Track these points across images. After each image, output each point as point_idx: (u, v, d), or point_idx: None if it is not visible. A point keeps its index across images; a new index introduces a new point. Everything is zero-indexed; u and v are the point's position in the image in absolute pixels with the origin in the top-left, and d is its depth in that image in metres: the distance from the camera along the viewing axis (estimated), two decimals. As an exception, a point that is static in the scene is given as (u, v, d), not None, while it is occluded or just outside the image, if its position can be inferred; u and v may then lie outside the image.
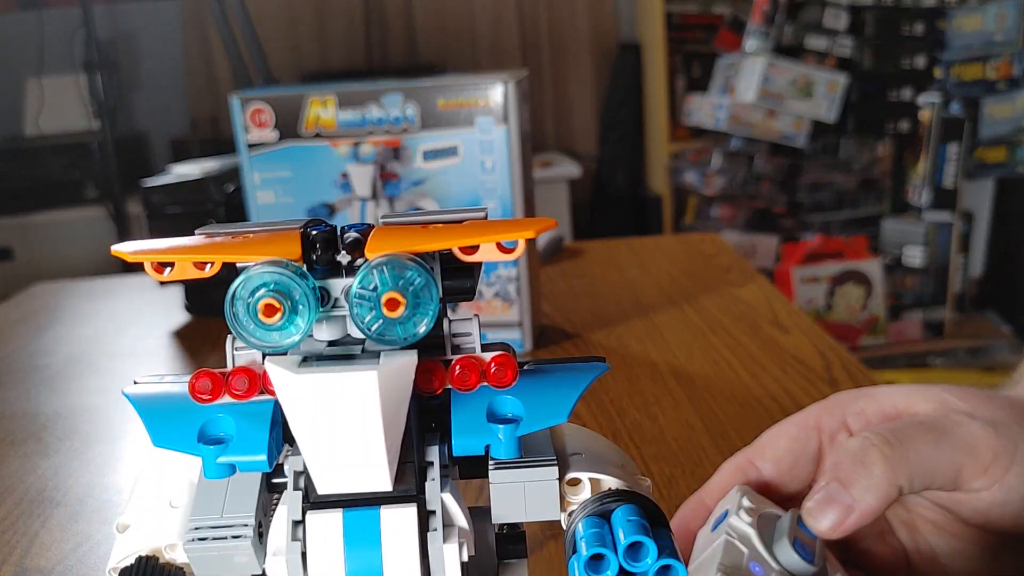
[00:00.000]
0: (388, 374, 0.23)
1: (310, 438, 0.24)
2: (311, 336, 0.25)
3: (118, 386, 0.79)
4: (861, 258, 2.59)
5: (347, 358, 0.24)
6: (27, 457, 0.66)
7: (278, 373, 0.24)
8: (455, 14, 3.14)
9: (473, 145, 0.75)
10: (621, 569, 0.25)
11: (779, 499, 0.38)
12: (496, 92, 0.74)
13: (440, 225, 0.25)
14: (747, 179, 2.64)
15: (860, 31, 2.58)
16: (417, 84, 0.75)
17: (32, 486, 0.61)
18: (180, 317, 0.99)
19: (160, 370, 0.83)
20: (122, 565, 0.27)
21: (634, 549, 0.25)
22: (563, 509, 0.28)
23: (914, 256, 2.66)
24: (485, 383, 0.26)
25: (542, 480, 0.26)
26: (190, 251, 0.25)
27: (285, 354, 0.25)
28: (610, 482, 0.28)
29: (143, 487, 0.29)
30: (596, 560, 0.25)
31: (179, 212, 0.93)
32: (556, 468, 0.27)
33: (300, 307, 0.24)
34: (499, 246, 0.24)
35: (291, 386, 0.24)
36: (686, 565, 0.27)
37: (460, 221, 0.25)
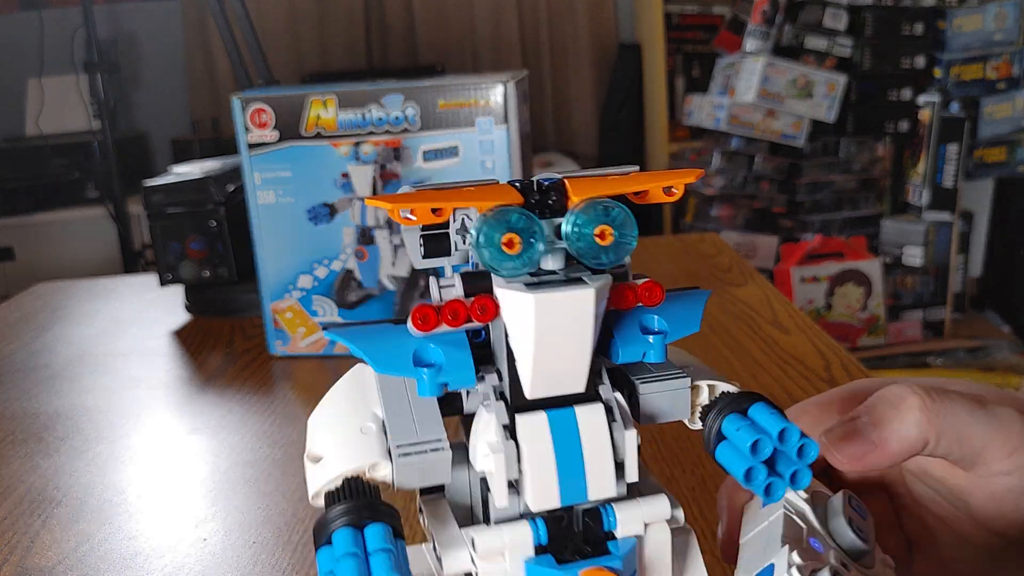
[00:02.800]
0: (600, 292, 0.28)
1: (531, 349, 0.28)
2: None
3: (119, 386, 0.79)
4: (861, 258, 2.59)
5: (552, 284, 0.28)
6: (28, 456, 0.66)
7: (512, 295, 0.28)
8: (455, 15, 3.14)
9: (473, 145, 0.75)
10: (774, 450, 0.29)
11: None
12: (496, 92, 0.74)
13: (615, 176, 0.30)
14: (747, 179, 2.64)
15: (859, 31, 2.58)
16: (417, 85, 0.75)
17: (33, 485, 0.61)
18: (181, 317, 0.99)
19: (161, 369, 0.83)
20: (326, 489, 0.29)
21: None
22: (691, 412, 0.33)
23: (914, 256, 2.66)
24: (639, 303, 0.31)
25: (677, 389, 0.32)
26: (430, 198, 0.28)
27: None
28: (723, 387, 0.33)
29: (318, 422, 0.32)
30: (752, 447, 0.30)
31: (180, 212, 0.93)
32: (688, 378, 0.32)
33: (534, 241, 0.28)
34: (664, 190, 0.30)
35: (524, 305, 0.27)
36: (736, 540, 0.31)
37: (605, 175, 0.30)
